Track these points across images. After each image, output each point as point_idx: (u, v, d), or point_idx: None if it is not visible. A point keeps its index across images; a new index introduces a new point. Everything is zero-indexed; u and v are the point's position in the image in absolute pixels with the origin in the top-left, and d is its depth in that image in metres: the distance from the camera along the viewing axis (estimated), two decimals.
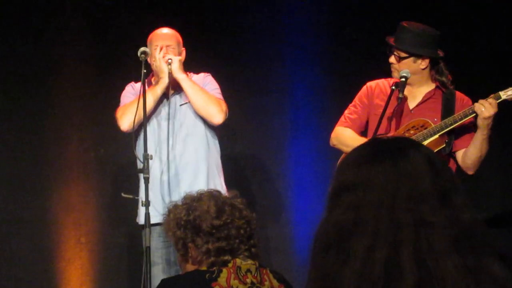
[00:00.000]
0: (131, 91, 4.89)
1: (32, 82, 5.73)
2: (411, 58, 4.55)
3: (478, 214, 1.64)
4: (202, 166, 4.81)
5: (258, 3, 5.96)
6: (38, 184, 5.70)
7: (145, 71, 4.64)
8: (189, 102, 4.79)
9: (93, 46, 5.80)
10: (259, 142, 6.00)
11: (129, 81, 4.98)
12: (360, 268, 1.56)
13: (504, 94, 4.41)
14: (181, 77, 4.75)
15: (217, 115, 4.76)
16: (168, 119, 4.82)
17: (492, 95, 4.40)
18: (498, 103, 4.39)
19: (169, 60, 4.73)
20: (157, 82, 4.79)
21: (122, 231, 5.71)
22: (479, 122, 4.39)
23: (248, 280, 2.84)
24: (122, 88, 4.99)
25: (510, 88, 4.42)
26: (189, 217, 2.92)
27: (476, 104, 4.40)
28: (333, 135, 4.75)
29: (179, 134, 4.80)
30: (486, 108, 4.35)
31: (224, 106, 4.80)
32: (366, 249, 1.57)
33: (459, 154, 4.58)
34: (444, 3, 5.77)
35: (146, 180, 4.48)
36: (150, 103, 4.69)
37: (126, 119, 4.72)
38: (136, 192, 4.83)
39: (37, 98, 5.73)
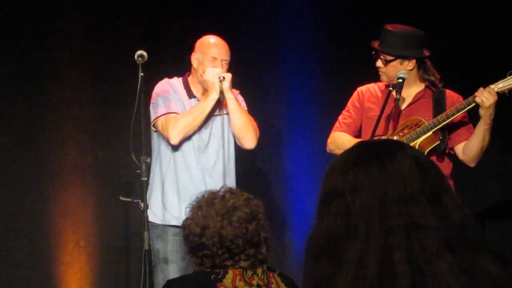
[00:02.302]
0: (173, 93, 4.82)
1: (29, 87, 5.73)
2: (398, 60, 4.59)
3: (471, 212, 1.64)
4: (231, 179, 4.87)
5: (254, 6, 5.96)
6: (37, 188, 5.70)
7: (142, 74, 4.63)
8: (230, 121, 4.81)
9: (90, 51, 5.79)
10: (257, 145, 6.00)
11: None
12: (354, 272, 1.56)
13: (495, 87, 4.43)
14: (230, 96, 4.76)
15: (252, 142, 4.83)
16: (205, 128, 4.83)
17: None
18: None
19: (221, 78, 4.72)
20: (205, 96, 4.77)
21: (120, 234, 5.71)
22: (482, 112, 4.40)
23: (254, 282, 2.83)
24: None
25: (501, 81, 4.44)
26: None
27: (476, 94, 4.41)
28: (329, 140, 4.79)
29: (212, 145, 4.83)
30: (486, 98, 4.37)
31: (258, 130, 4.86)
32: (359, 254, 1.57)
33: (459, 148, 4.59)
34: (438, 3, 5.80)
35: (144, 184, 4.49)
36: (201, 119, 4.73)
37: (179, 133, 4.70)
38: (136, 195, 4.83)
39: (34, 103, 5.73)
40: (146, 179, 4.50)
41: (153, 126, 4.82)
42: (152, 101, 4.84)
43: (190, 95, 4.86)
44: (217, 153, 4.83)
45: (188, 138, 4.80)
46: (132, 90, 4.86)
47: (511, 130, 5.72)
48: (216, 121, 4.86)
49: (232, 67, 4.86)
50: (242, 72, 5.91)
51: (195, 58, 4.86)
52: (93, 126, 5.77)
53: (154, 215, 4.78)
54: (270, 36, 5.97)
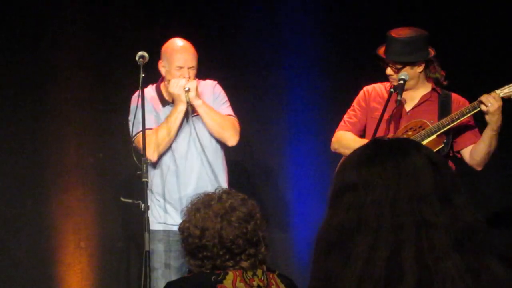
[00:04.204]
0: (145, 105, 4.72)
1: (30, 87, 5.73)
2: (408, 66, 4.57)
3: (479, 214, 1.64)
4: (220, 178, 4.86)
5: (256, 7, 5.96)
6: (37, 189, 5.70)
7: (143, 75, 4.63)
8: (205, 126, 4.81)
9: (91, 51, 5.79)
10: (258, 146, 6.00)
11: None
12: (361, 268, 1.56)
13: (501, 92, 4.42)
14: (198, 103, 4.77)
15: (232, 139, 4.85)
16: (183, 131, 4.84)
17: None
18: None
19: (187, 88, 4.71)
20: (173, 108, 4.77)
21: (121, 235, 5.71)
22: (488, 118, 4.40)
23: (255, 283, 2.83)
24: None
25: (507, 86, 4.43)
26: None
27: (481, 99, 4.39)
28: (334, 139, 4.77)
29: (195, 146, 4.84)
30: (491, 104, 4.36)
31: (237, 125, 4.88)
32: (368, 250, 1.57)
33: (466, 152, 4.59)
34: (441, 3, 5.78)
35: (145, 185, 4.49)
36: (174, 133, 4.75)
37: (154, 152, 4.73)
38: (137, 197, 4.83)
39: (35, 103, 5.73)
40: (147, 180, 4.50)
41: (133, 143, 4.83)
42: (129, 116, 4.83)
43: (164, 103, 4.87)
44: (198, 158, 4.83)
45: (168, 148, 4.82)
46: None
47: (511, 132, 5.71)
48: (196, 122, 4.84)
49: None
50: (243, 73, 5.91)
51: (162, 66, 4.85)
52: (94, 126, 5.77)
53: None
54: (271, 37, 5.97)
